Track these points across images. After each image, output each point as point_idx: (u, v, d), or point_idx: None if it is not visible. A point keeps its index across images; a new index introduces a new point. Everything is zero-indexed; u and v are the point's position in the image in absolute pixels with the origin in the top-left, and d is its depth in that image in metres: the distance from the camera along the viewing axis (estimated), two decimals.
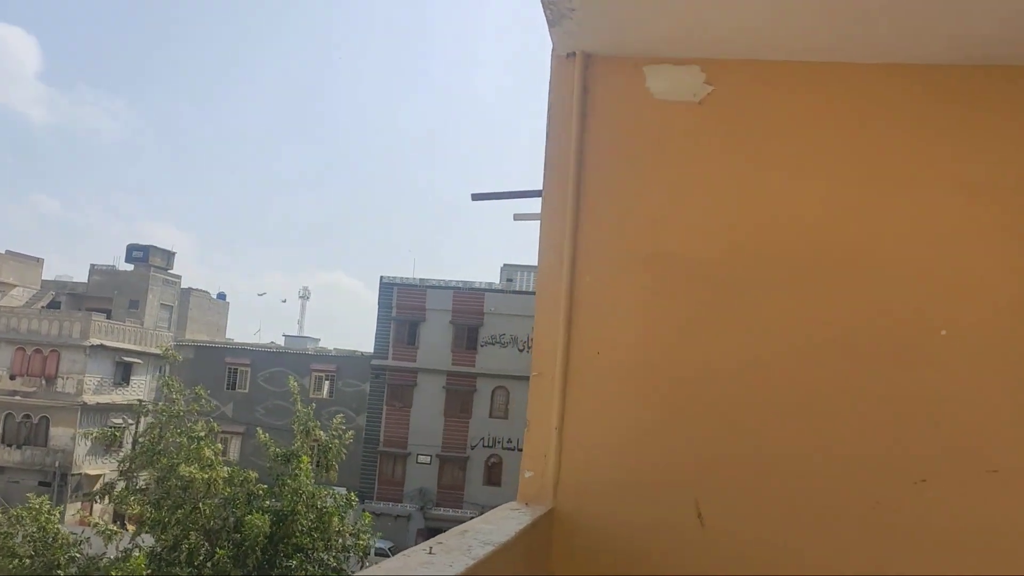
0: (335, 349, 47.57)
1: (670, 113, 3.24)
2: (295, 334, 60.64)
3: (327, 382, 42.99)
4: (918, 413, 3.00)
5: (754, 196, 3.17)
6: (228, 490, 16.02)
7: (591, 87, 3.27)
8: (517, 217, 4.81)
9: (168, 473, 15.65)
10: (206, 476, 15.38)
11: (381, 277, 42.34)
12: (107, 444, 25.68)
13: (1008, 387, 2.96)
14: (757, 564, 3.00)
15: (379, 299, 42.10)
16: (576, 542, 3.11)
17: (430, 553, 1.92)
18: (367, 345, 43.22)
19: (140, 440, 17.32)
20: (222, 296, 62.81)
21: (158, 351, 32.35)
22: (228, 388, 43.24)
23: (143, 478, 17.61)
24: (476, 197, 5.33)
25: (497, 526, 2.48)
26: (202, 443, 15.77)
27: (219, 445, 17.08)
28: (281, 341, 54.91)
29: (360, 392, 42.00)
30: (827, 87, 3.16)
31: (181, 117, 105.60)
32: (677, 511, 3.07)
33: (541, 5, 2.95)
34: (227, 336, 59.26)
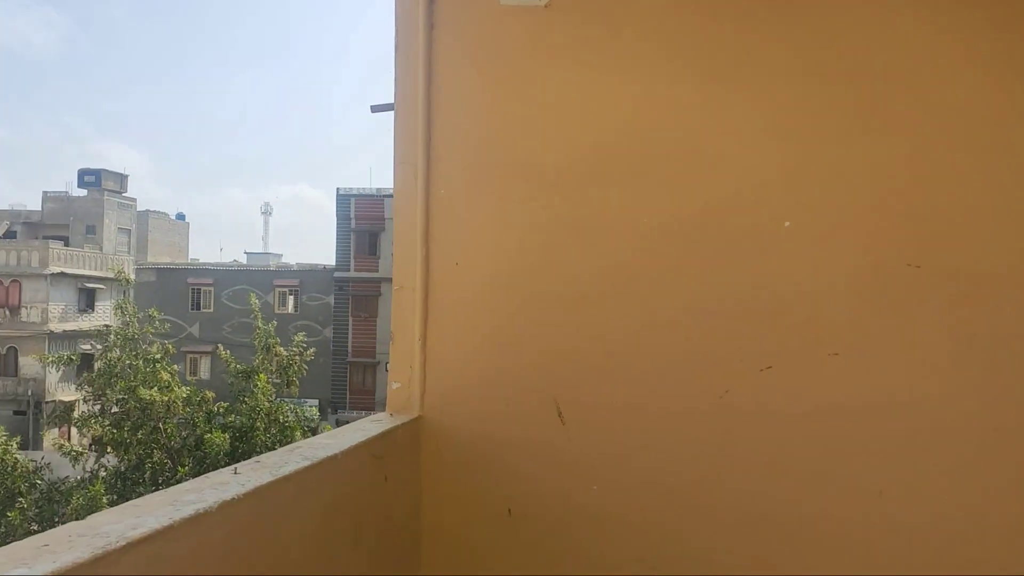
0: (297, 264, 47.32)
1: (517, 20, 3.21)
2: (258, 251, 60.19)
3: (291, 297, 42.87)
4: (763, 302, 3.09)
5: (599, 99, 3.18)
6: (187, 410, 16.23)
7: None
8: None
9: (127, 396, 15.76)
10: (165, 398, 15.58)
11: (337, 189, 41.78)
12: (74, 369, 25.67)
13: (846, 275, 3.04)
14: (613, 452, 3.13)
15: (337, 211, 41.65)
16: (443, 447, 3.22)
17: (235, 473, 2.00)
18: (331, 258, 43.00)
19: (96, 364, 17.31)
20: (181, 216, 61.95)
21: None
22: (193, 308, 43.07)
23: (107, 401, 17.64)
24: (375, 109, 5.24)
25: (337, 440, 2.57)
26: (158, 366, 15.87)
27: (175, 367, 17.14)
28: (244, 259, 54.54)
29: (325, 305, 41.97)
30: None
31: (116, 24, 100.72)
32: (539, 411, 3.17)
33: None
34: (190, 256, 58.72)
